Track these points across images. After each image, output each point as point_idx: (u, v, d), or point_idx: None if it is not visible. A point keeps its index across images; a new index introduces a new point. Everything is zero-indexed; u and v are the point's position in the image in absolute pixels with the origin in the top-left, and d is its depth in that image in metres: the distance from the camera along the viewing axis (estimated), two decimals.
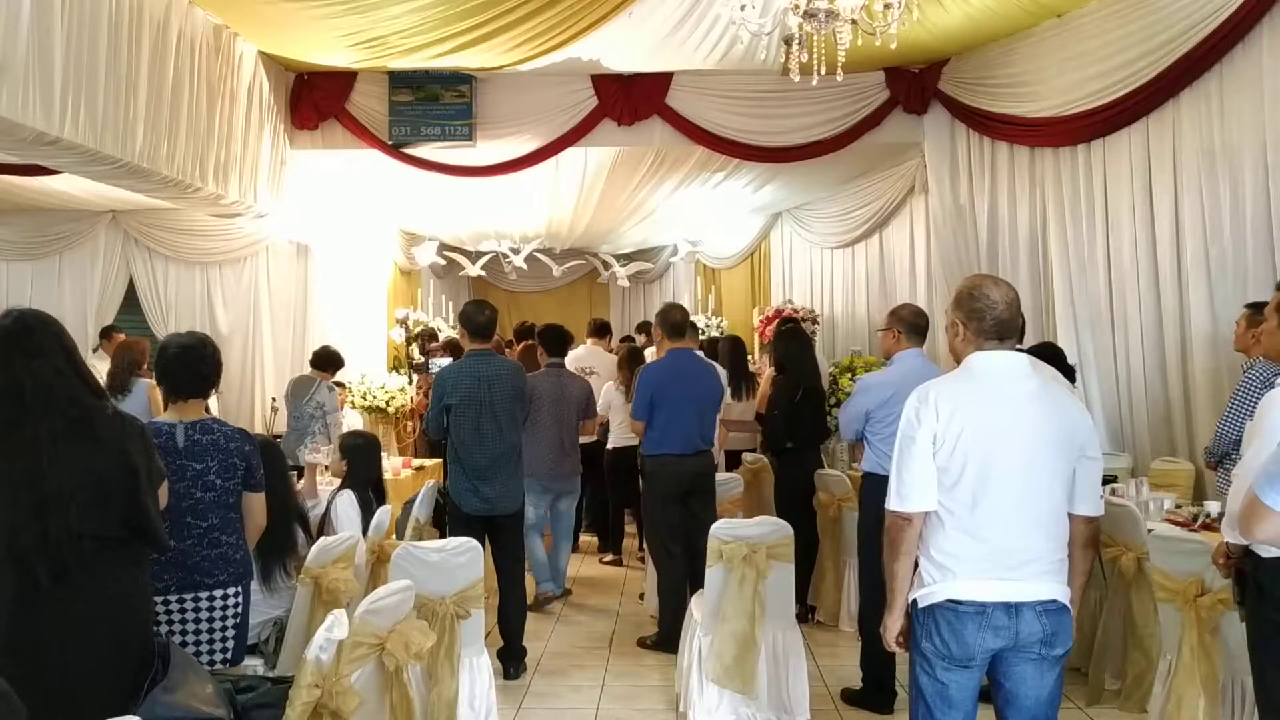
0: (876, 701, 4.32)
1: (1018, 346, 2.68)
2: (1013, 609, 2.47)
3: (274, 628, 3.61)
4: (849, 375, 7.66)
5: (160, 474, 2.63)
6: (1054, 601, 2.51)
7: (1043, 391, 2.55)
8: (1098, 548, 2.71)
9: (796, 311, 9.01)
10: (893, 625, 2.64)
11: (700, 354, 5.89)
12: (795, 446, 5.76)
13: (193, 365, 3.16)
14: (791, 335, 6.06)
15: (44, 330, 2.47)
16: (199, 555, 3.04)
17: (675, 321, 5.38)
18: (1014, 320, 2.59)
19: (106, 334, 8.29)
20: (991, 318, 2.56)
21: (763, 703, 4.02)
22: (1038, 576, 2.49)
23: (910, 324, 4.30)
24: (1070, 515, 2.56)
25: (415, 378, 8.93)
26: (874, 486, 4.18)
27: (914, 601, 2.59)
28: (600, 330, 8.17)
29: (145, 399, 6.01)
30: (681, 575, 5.17)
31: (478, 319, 4.96)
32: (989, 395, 2.54)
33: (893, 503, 2.58)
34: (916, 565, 2.60)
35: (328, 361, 7.00)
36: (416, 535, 4.84)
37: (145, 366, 6.30)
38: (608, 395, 7.00)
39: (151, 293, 9.78)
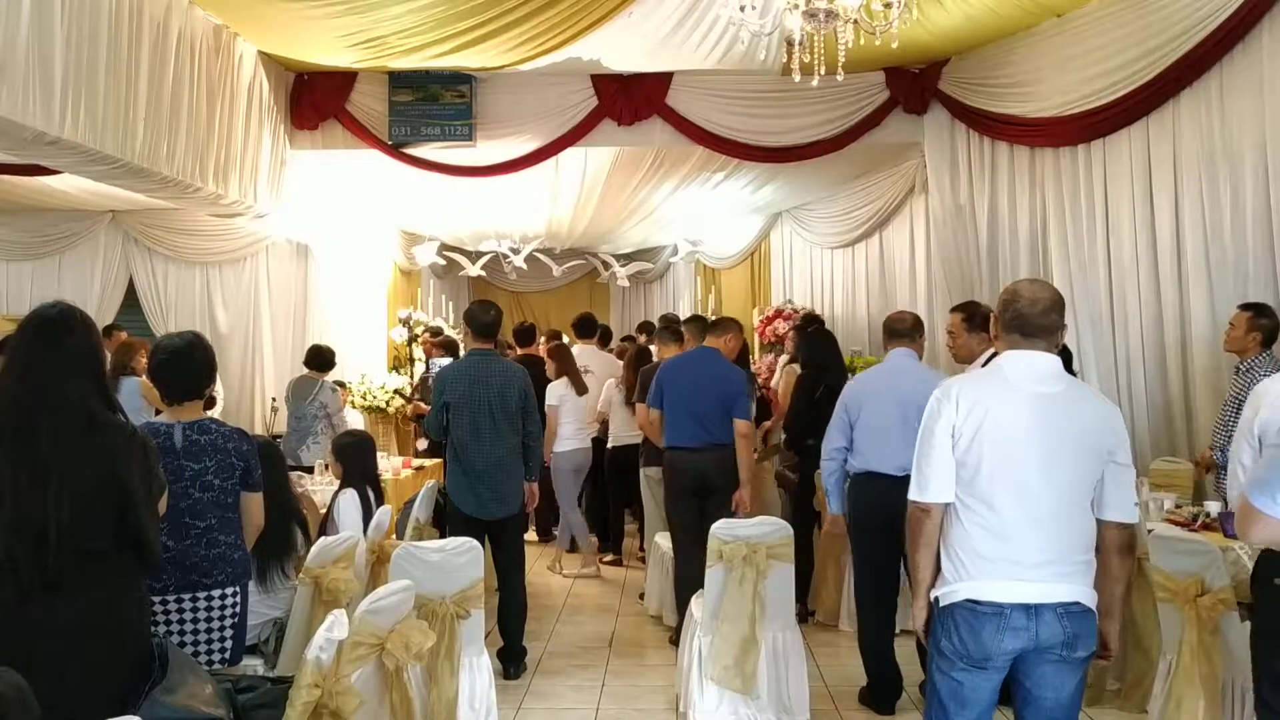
0: (881, 698, 4.33)
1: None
2: (1032, 610, 2.47)
3: (274, 628, 3.61)
4: (849, 375, 7.66)
5: (161, 486, 2.61)
6: (1076, 604, 2.50)
7: (1068, 395, 2.57)
8: (1130, 556, 2.69)
9: (797, 311, 9.01)
10: (918, 614, 2.67)
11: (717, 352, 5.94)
12: (816, 443, 5.66)
13: (183, 369, 3.15)
14: (817, 335, 6.13)
15: (81, 330, 2.47)
16: (197, 555, 3.03)
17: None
18: (1038, 319, 2.58)
19: (108, 333, 8.30)
20: (1013, 310, 2.60)
21: (763, 703, 4.02)
22: (1059, 578, 2.49)
23: (887, 328, 4.53)
24: (1102, 521, 2.56)
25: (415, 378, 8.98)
26: (853, 486, 4.38)
27: (935, 600, 2.60)
28: (586, 328, 8.04)
29: (135, 398, 6.02)
30: (700, 565, 5.15)
31: (483, 319, 4.96)
32: (1011, 394, 2.55)
33: (912, 493, 2.61)
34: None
35: (323, 360, 7.01)
36: (416, 535, 4.84)
37: (137, 366, 6.29)
38: (608, 393, 7.03)
39: (151, 293, 9.78)
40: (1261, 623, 2.60)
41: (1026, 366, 2.57)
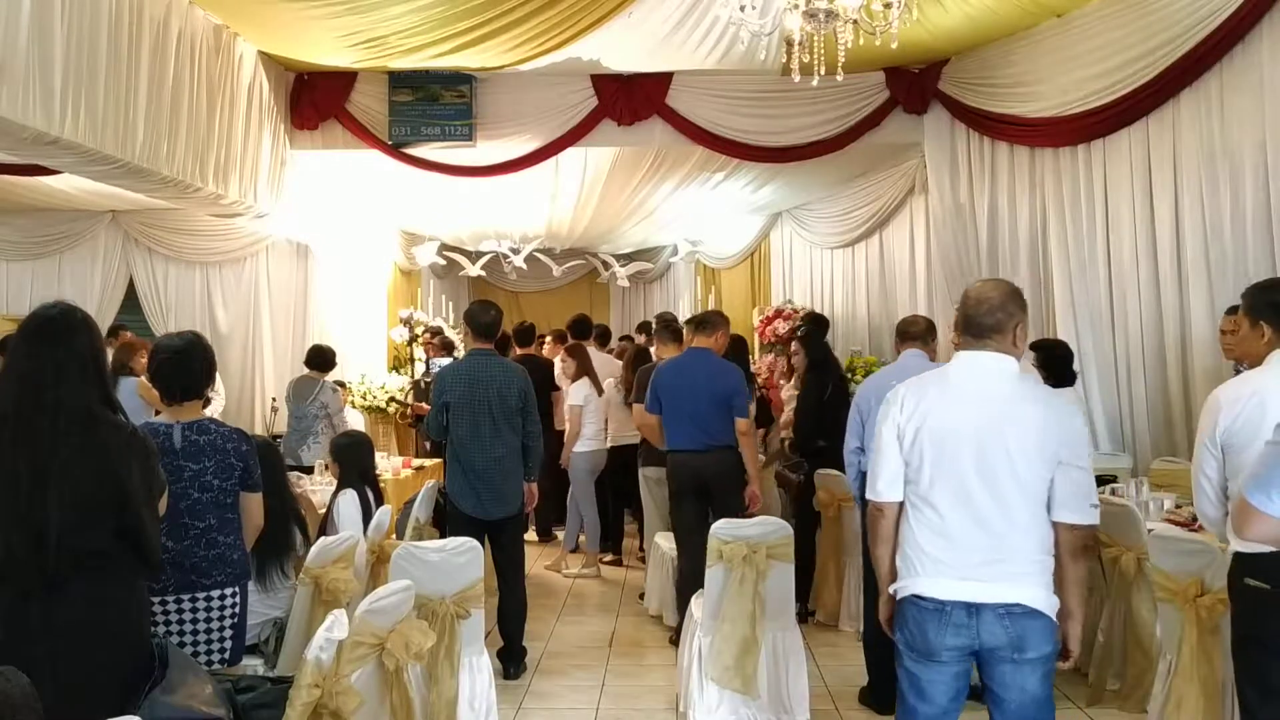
0: (881, 698, 4.33)
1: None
2: (973, 609, 2.49)
3: (273, 628, 3.61)
4: (849, 375, 7.66)
5: (161, 487, 2.61)
6: (1019, 605, 2.47)
7: (1015, 396, 2.56)
8: (1086, 557, 2.66)
9: (797, 311, 9.00)
10: (882, 609, 2.74)
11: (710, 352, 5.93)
12: (829, 445, 5.45)
13: (183, 369, 3.16)
14: (812, 334, 6.14)
15: (82, 330, 2.47)
16: (196, 556, 3.04)
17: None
18: (982, 318, 2.58)
19: (114, 333, 8.30)
20: (961, 312, 2.66)
21: (763, 703, 4.02)
22: (1006, 579, 2.48)
23: (900, 331, 4.59)
24: (1054, 523, 2.53)
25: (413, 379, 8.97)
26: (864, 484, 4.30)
27: (894, 593, 2.66)
28: (582, 328, 8.00)
29: (134, 398, 6.01)
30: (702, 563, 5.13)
31: (482, 319, 4.96)
32: (954, 395, 2.58)
33: (868, 491, 2.69)
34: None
35: (324, 360, 7.01)
36: (416, 535, 4.84)
37: (137, 366, 6.29)
38: (607, 393, 7.04)
39: (151, 293, 9.79)
40: (1239, 629, 2.59)
41: (972, 367, 2.60)
